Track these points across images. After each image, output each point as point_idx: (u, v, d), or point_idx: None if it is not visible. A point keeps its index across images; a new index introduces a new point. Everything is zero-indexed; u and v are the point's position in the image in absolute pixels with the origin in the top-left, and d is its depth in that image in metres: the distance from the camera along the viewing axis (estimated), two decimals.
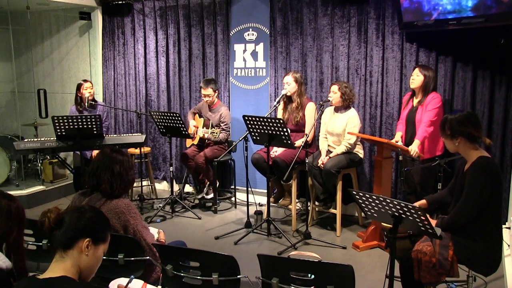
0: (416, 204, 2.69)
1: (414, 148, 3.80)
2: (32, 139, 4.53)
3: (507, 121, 4.10)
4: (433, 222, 2.57)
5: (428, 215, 2.60)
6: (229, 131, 5.15)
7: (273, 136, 3.97)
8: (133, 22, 5.95)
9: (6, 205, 1.94)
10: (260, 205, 5.25)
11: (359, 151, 4.39)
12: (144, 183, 5.53)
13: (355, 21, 4.66)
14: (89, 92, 5.05)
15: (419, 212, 2.11)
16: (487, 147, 2.60)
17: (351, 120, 4.28)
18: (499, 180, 2.48)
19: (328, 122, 4.47)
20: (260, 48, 5.33)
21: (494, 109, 4.13)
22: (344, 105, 4.34)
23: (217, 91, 5.12)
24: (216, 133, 4.79)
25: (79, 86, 5.12)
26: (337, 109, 4.43)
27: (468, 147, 2.53)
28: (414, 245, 2.57)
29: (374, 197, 2.23)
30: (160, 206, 5.08)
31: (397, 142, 4.04)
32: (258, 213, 4.47)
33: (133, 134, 4.94)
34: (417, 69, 4.03)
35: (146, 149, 5.57)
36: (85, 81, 5.16)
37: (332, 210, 4.51)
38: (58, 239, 1.62)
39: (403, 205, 2.12)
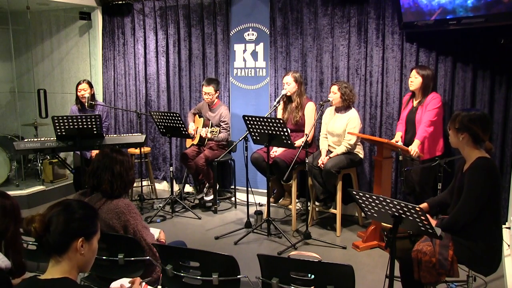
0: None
1: (414, 148, 3.80)
2: (32, 139, 4.53)
3: (507, 121, 4.11)
4: (433, 222, 2.57)
5: (428, 215, 2.60)
6: (229, 130, 5.15)
7: (273, 136, 3.97)
8: (133, 22, 5.95)
9: (0, 202, 1.95)
10: (260, 205, 5.25)
11: (360, 151, 4.39)
12: (144, 183, 5.54)
13: (355, 21, 4.66)
14: (82, 95, 5.05)
15: (419, 212, 2.11)
16: (489, 152, 2.60)
17: (351, 120, 4.28)
18: (498, 181, 2.49)
19: (329, 122, 4.47)
20: (260, 48, 5.33)
21: (494, 109, 4.14)
22: (345, 106, 4.34)
23: (218, 91, 5.13)
24: (216, 132, 4.80)
25: (76, 86, 5.13)
26: (337, 110, 4.43)
27: (470, 146, 2.53)
28: (414, 245, 2.57)
29: (374, 197, 2.23)
30: (160, 206, 5.08)
31: (397, 142, 4.04)
32: (258, 213, 4.47)
33: (133, 134, 4.94)
34: (414, 71, 4.03)
35: (146, 149, 5.57)
36: (83, 81, 5.15)
37: (332, 210, 4.51)
38: (50, 245, 1.57)
39: (403, 205, 2.12)
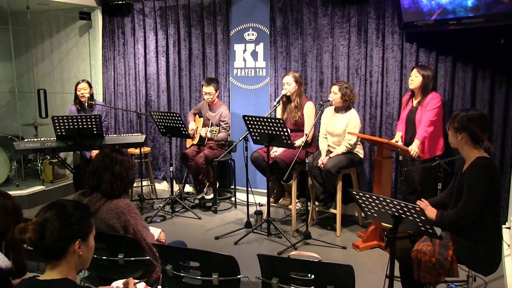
0: None
1: (414, 148, 3.80)
2: (32, 139, 4.53)
3: (507, 121, 4.11)
4: (433, 213, 2.57)
5: (429, 205, 2.60)
6: (229, 130, 5.15)
7: (273, 136, 3.97)
8: (133, 22, 5.95)
9: (1, 202, 1.95)
10: (260, 205, 5.25)
11: (359, 151, 4.39)
12: (144, 183, 5.54)
13: (355, 21, 4.66)
14: (82, 94, 5.05)
15: (419, 212, 2.12)
16: (488, 151, 2.60)
17: (351, 120, 4.28)
18: (497, 180, 2.49)
19: (328, 123, 4.47)
20: (260, 48, 5.33)
21: (494, 109, 4.13)
22: (345, 106, 4.34)
23: (218, 90, 5.13)
24: (215, 131, 4.80)
25: (75, 86, 5.14)
26: (337, 110, 4.43)
27: (469, 145, 2.54)
28: (414, 245, 2.57)
29: (374, 197, 2.23)
30: (160, 206, 5.08)
31: (397, 142, 4.04)
32: (258, 213, 4.47)
33: (133, 134, 4.94)
34: (415, 70, 4.03)
35: (146, 149, 5.57)
36: (82, 81, 5.17)
37: (332, 210, 4.51)
38: (46, 252, 1.54)
39: (403, 205, 2.13)
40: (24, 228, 1.52)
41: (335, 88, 4.31)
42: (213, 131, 4.80)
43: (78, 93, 5.10)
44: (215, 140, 5.01)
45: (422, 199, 2.74)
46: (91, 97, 5.12)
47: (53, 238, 1.52)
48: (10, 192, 2.07)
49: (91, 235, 1.65)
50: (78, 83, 5.13)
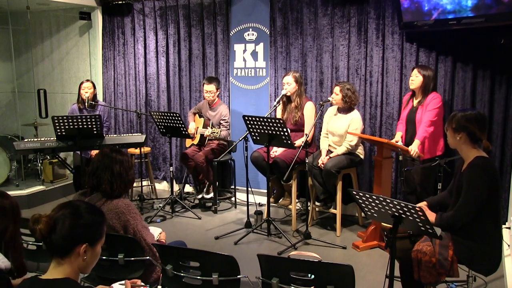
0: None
1: (414, 148, 3.80)
2: (32, 139, 4.53)
3: (507, 121, 4.11)
4: (432, 216, 2.57)
5: (427, 209, 2.61)
6: (229, 129, 5.16)
7: (273, 136, 3.97)
8: (133, 22, 5.95)
9: None
10: (260, 205, 5.25)
11: (360, 152, 4.39)
12: (144, 183, 5.54)
13: (355, 21, 4.66)
14: (86, 92, 5.05)
15: (419, 212, 2.12)
16: (487, 150, 2.61)
17: (353, 122, 4.28)
18: (496, 180, 2.49)
19: (329, 122, 4.47)
20: (260, 48, 5.33)
21: (494, 109, 4.14)
22: (346, 107, 4.34)
23: (219, 89, 5.14)
24: (217, 133, 4.81)
25: (79, 85, 5.15)
26: (340, 110, 4.43)
27: (467, 145, 2.54)
28: (414, 245, 2.57)
29: (374, 197, 2.23)
30: (160, 206, 5.08)
31: (397, 142, 4.04)
32: (258, 213, 4.48)
33: (133, 134, 4.94)
34: (415, 70, 4.03)
35: (146, 149, 5.57)
36: (86, 80, 5.19)
37: (332, 210, 4.51)
38: (53, 247, 1.56)
39: (403, 205, 2.13)
40: (38, 218, 1.55)
41: (337, 89, 4.32)
42: (214, 133, 4.81)
43: (81, 91, 5.10)
44: (218, 139, 5.01)
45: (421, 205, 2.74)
46: (94, 97, 5.13)
47: (62, 236, 1.55)
48: (10, 192, 2.07)
49: (99, 242, 1.65)
50: (82, 83, 5.14)
